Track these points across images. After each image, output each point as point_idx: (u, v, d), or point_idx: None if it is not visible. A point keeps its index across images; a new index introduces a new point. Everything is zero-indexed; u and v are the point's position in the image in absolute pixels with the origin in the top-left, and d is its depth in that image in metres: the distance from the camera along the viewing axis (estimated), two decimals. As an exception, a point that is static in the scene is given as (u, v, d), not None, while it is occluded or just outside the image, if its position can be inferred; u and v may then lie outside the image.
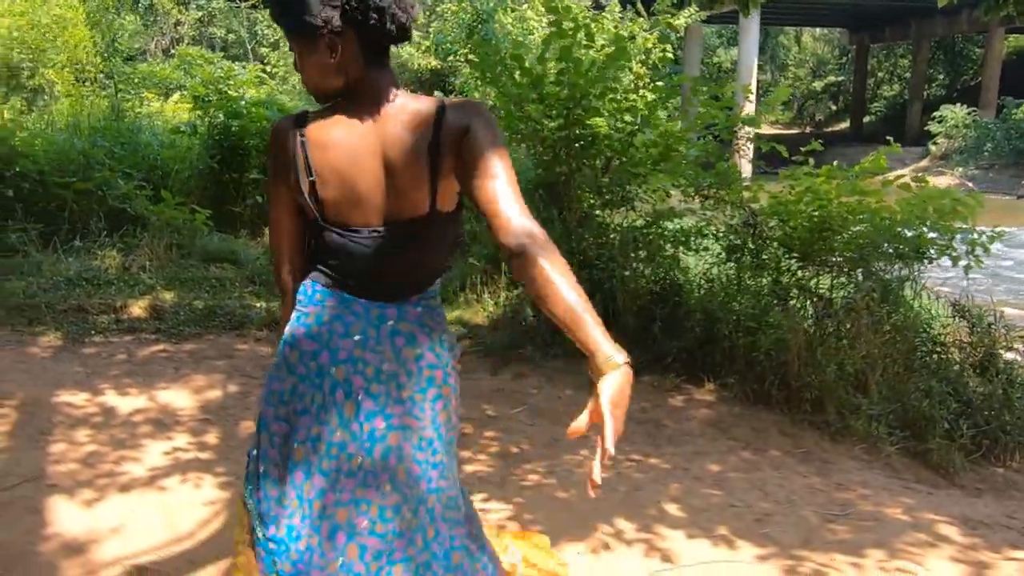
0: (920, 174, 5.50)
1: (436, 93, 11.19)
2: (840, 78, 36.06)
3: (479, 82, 5.60)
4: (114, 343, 4.54)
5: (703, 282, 4.78)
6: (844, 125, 32.44)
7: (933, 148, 22.71)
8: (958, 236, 4.46)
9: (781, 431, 3.88)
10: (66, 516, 2.69)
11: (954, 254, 4.41)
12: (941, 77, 31.48)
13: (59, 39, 12.58)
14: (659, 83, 5.64)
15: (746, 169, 6.15)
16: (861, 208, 4.39)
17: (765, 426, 3.91)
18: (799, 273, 4.62)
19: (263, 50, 20.67)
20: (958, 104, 23.00)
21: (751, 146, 6.06)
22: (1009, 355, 4.42)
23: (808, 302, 4.52)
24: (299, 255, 1.57)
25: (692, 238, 4.99)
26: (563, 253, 1.37)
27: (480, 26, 13.28)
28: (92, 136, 7.35)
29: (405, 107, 1.47)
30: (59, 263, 5.59)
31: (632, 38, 6.89)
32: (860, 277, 4.50)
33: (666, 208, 5.22)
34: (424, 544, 1.49)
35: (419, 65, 15.62)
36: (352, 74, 1.47)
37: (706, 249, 5.00)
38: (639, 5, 9.76)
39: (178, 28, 23.23)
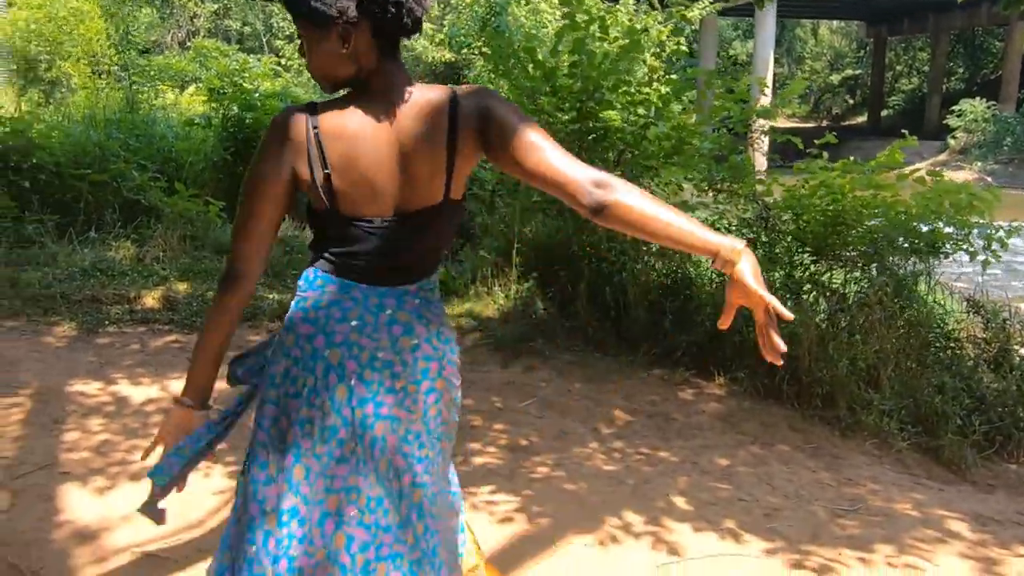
0: (938, 168, 5.45)
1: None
2: (857, 71, 35.70)
3: (492, 75, 5.60)
4: (127, 333, 4.58)
5: (714, 276, 4.76)
6: (861, 119, 32.15)
7: (952, 142, 22.47)
8: (975, 231, 4.42)
9: (791, 426, 3.87)
10: (78, 503, 2.73)
11: (971, 249, 4.38)
12: (960, 71, 31.10)
13: (75, 32, 12.67)
14: (673, 76, 5.61)
15: (760, 163, 6.11)
16: (876, 202, 4.36)
17: (775, 421, 3.90)
18: (812, 267, 4.59)
19: (278, 43, 20.75)
20: (977, 98, 22.71)
21: (766, 139, 6.02)
22: (1024, 351, 4.38)
23: (821, 297, 4.49)
24: (271, 246, 1.53)
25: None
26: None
27: (493, 19, 13.26)
28: (107, 128, 7.42)
29: (419, 98, 1.47)
30: (74, 254, 5.64)
31: (646, 31, 6.86)
32: (874, 272, 4.47)
33: (679, 201, 5.19)
34: (415, 540, 1.47)
35: (433, 58, 15.63)
36: (365, 65, 1.46)
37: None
38: (653, -2, 9.70)
39: (194, 21, 23.36)
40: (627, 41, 4.93)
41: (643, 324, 4.54)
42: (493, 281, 5.32)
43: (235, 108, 7.61)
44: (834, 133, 4.90)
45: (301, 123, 1.45)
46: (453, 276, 5.43)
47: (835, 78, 36.78)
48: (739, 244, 1.34)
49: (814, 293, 4.52)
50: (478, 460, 3.27)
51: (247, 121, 7.51)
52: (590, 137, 5.00)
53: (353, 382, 1.46)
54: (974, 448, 3.74)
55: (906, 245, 4.46)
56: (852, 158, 4.76)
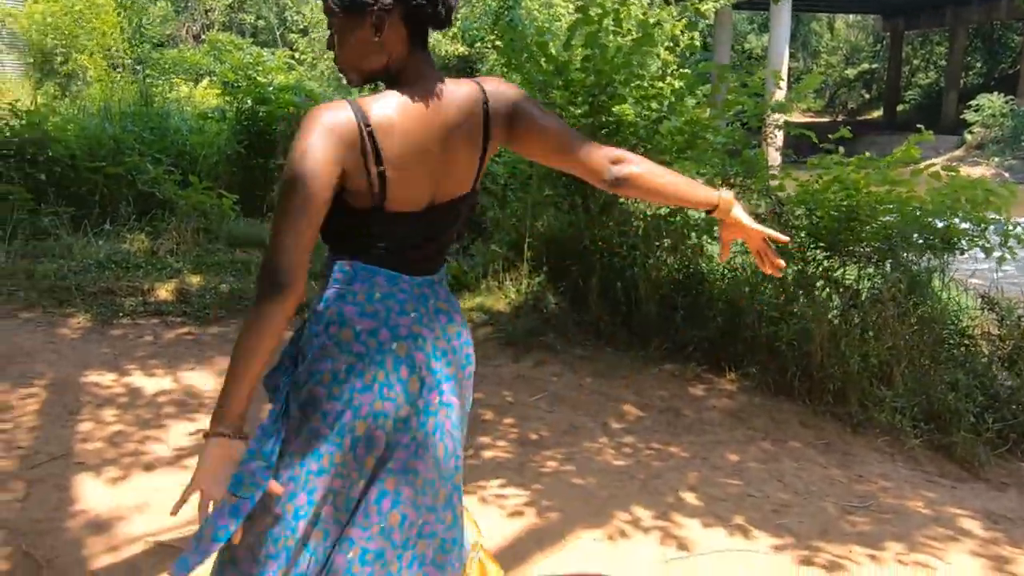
0: (954, 164, 5.40)
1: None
2: (874, 66, 35.36)
3: (505, 69, 5.59)
4: (141, 325, 4.62)
5: (726, 271, 4.74)
6: (877, 113, 31.84)
7: (969, 137, 22.22)
8: (991, 227, 4.38)
9: (802, 422, 3.85)
10: (92, 493, 2.76)
11: (987, 245, 4.33)
12: (978, 65, 30.74)
13: (90, 25, 12.75)
14: (686, 70, 5.58)
15: (774, 157, 6.07)
16: (890, 198, 4.32)
17: (786, 417, 3.88)
18: (825, 263, 4.56)
19: (292, 36, 20.79)
20: (995, 93, 22.46)
21: (780, 134, 5.98)
22: (1039, 348, 4.33)
23: (834, 293, 4.47)
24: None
25: (716, 227, 4.93)
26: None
27: (507, 12, 13.24)
28: (122, 121, 7.46)
29: (456, 91, 1.50)
30: (89, 246, 5.69)
31: (659, 24, 6.82)
32: (888, 268, 4.44)
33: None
34: (452, 520, 1.57)
35: (446, 51, 15.61)
36: (395, 56, 1.46)
37: (731, 238, 4.94)
38: (667, -9, 9.65)
39: (208, 14, 23.44)
40: (640, 35, 4.91)
41: (654, 319, 4.53)
42: (504, 275, 5.32)
43: (249, 101, 7.63)
44: (849, 128, 4.85)
45: (352, 120, 1.39)
46: (465, 270, 5.43)
47: (851, 72, 36.44)
48: (728, 194, 1.67)
49: (827, 289, 4.49)
50: (488, 454, 3.28)
51: (261, 114, 7.55)
52: (603, 131, 4.98)
53: (423, 373, 1.52)
54: (987, 446, 3.71)
55: (920, 241, 4.42)
56: (867, 153, 4.72)
